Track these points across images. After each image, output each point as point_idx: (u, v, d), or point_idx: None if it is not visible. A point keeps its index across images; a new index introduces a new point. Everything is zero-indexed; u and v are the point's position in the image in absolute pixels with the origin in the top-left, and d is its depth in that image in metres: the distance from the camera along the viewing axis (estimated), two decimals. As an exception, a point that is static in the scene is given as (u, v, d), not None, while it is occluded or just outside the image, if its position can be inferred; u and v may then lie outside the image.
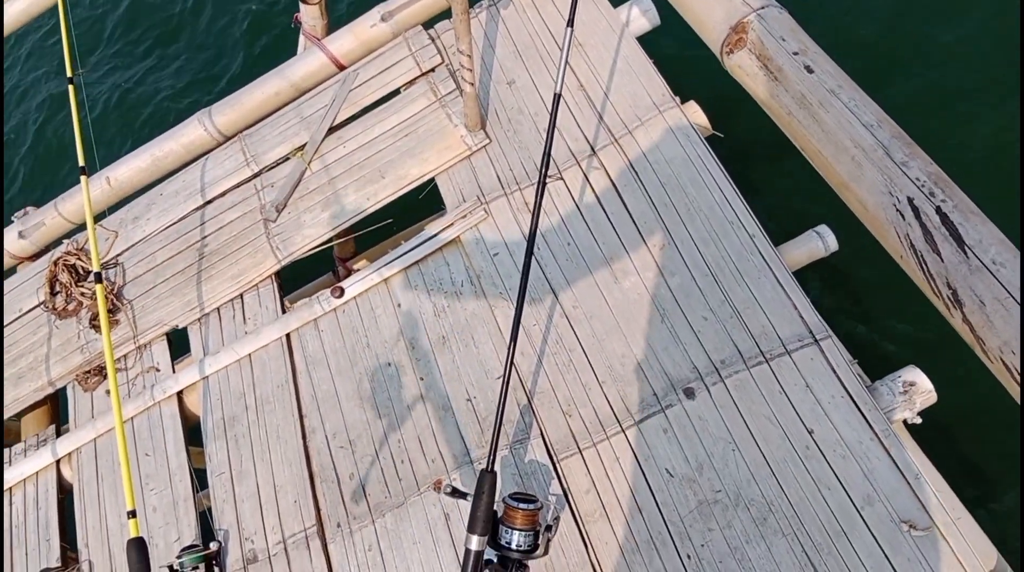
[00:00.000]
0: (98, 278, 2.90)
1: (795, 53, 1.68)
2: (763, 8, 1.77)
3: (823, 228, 2.97)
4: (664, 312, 2.85)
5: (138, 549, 2.64)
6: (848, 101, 1.57)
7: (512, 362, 2.37)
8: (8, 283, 4.11)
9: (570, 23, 2.31)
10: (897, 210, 1.42)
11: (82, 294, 3.70)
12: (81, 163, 3.11)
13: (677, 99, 3.29)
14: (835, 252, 2.99)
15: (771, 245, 2.84)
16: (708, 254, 2.90)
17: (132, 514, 2.66)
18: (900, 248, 1.41)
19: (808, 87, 1.62)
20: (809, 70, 1.64)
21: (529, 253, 2.35)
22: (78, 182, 4.24)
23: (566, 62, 2.30)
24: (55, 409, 3.89)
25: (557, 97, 2.32)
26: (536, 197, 2.33)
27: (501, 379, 2.41)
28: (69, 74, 3.23)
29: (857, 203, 1.52)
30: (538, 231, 3.16)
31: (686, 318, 2.81)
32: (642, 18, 3.62)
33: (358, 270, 5.01)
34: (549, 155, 2.32)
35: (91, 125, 3.06)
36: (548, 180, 2.82)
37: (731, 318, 2.76)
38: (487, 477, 2.32)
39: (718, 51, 1.84)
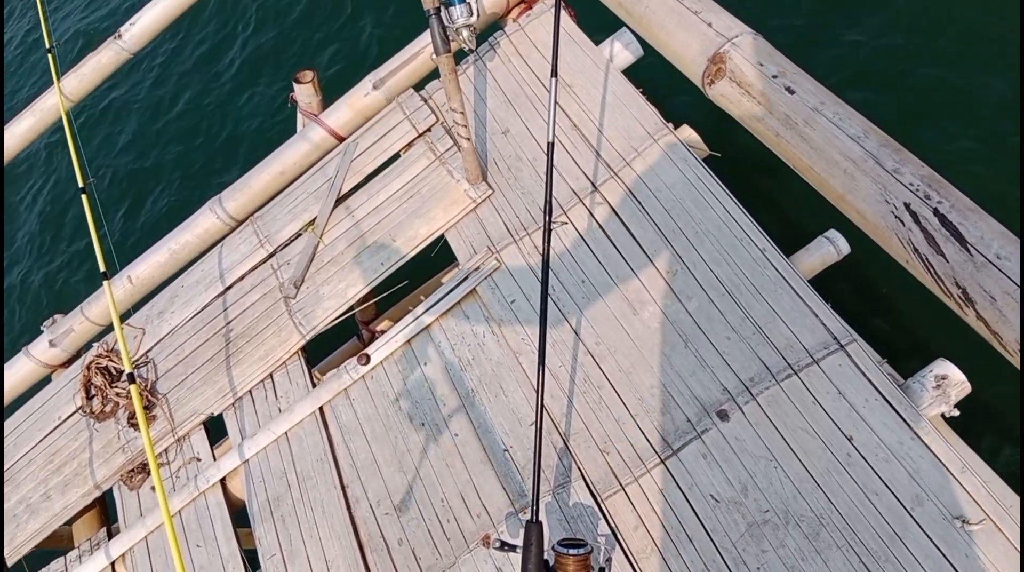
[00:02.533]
0: (131, 378, 2.97)
1: (775, 76, 1.71)
2: (737, 36, 1.82)
3: (833, 233, 2.98)
4: (686, 337, 2.86)
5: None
6: (832, 116, 1.60)
7: (542, 407, 2.39)
8: (45, 392, 4.20)
9: (554, 73, 2.37)
10: (896, 217, 1.44)
11: (117, 395, 3.77)
12: (102, 269, 3.21)
13: (670, 125, 3.34)
14: (848, 255, 2.99)
15: (783, 257, 2.85)
16: (722, 274, 2.91)
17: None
18: (905, 253, 1.43)
19: (791, 108, 1.66)
20: (790, 91, 1.68)
21: (544, 297, 2.38)
22: (101, 285, 4.38)
23: (555, 110, 2.36)
24: (104, 511, 3.94)
25: (551, 146, 2.38)
26: (544, 243, 2.37)
27: (534, 425, 2.42)
28: (80, 184, 3.34)
29: (856, 214, 1.54)
30: (552, 273, 3.21)
31: (709, 340, 2.82)
32: (625, 51, 3.69)
33: (382, 332, 5.08)
34: (550, 202, 2.37)
35: (107, 229, 3.15)
36: (554, 225, 2.86)
37: (754, 334, 2.76)
38: (533, 528, 2.32)
39: (700, 83, 1.89)
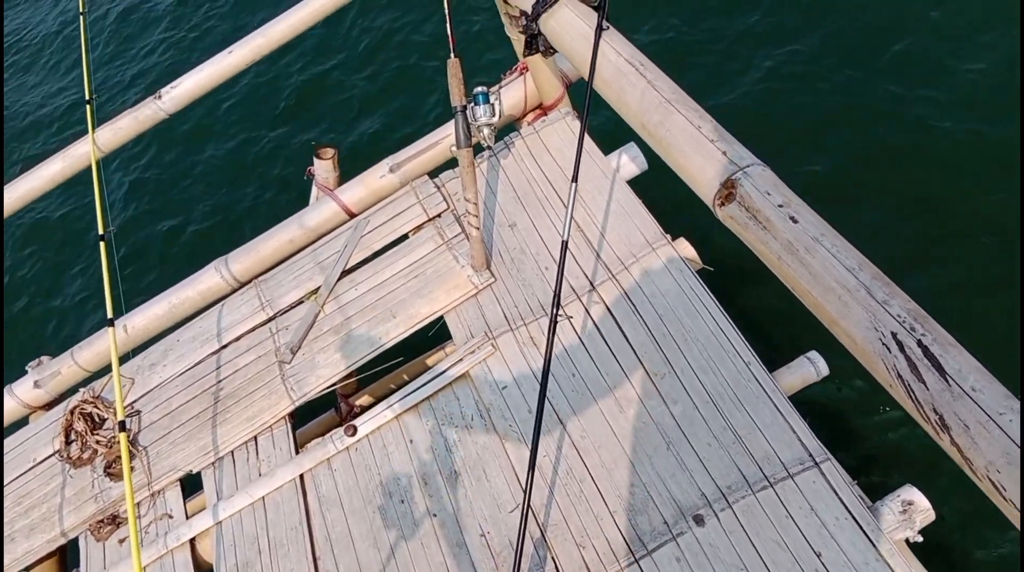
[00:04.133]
0: (122, 427, 3.00)
1: (780, 205, 1.89)
2: (749, 166, 2.01)
3: (814, 354, 3.14)
4: (669, 440, 2.96)
5: None
6: (831, 247, 1.77)
7: (529, 500, 2.46)
8: (22, 433, 4.17)
9: (574, 179, 2.56)
10: (883, 344, 1.58)
11: (97, 442, 3.77)
12: (109, 315, 3.28)
13: (668, 237, 3.54)
14: (827, 376, 3.14)
15: (766, 372, 3.00)
16: (707, 382, 3.04)
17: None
18: (889, 378, 1.57)
19: (794, 235, 1.83)
20: (794, 220, 1.85)
21: (543, 390, 2.48)
22: (93, 331, 4.42)
23: (572, 212, 2.54)
24: (63, 561, 3.86)
25: (564, 244, 2.54)
26: (548, 334, 2.49)
27: (517, 510, 2.48)
28: (101, 231, 3.45)
29: (847, 337, 1.69)
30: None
31: (691, 445, 2.92)
32: (631, 164, 3.94)
33: (361, 407, 5.12)
34: (559, 297, 2.51)
35: (119, 277, 3.26)
36: (560, 317, 2.99)
37: (734, 444, 2.87)
38: (508, 613, 2.35)
39: (711, 203, 2.07)
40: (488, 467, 3.17)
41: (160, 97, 3.80)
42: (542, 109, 4.48)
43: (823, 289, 1.76)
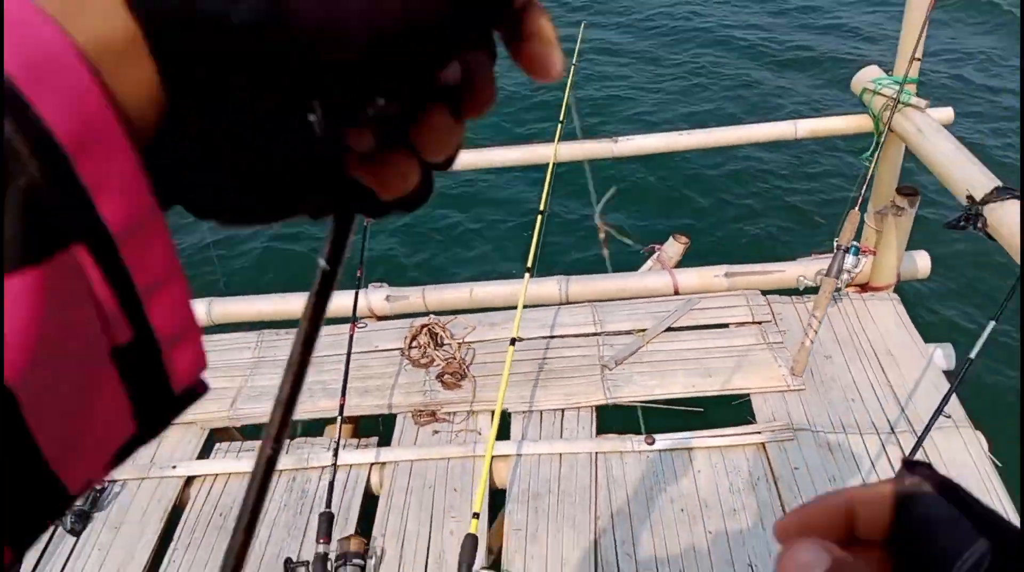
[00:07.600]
0: (512, 342, 3.76)
1: None
2: None
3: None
4: None
5: (472, 544, 3.21)
6: None
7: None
8: (368, 328, 5.04)
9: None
10: None
11: (437, 355, 4.55)
12: (528, 264, 4.12)
13: (970, 422, 4.03)
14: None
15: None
16: None
17: (476, 516, 3.27)
18: None
19: None
20: None
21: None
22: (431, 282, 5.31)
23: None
24: (356, 430, 4.57)
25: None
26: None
27: None
28: (541, 207, 4.38)
29: None
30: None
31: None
32: (943, 360, 4.51)
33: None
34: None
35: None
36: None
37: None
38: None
39: None
40: (766, 521, 3.64)
41: (616, 141, 4.83)
42: (862, 288, 5.18)
43: None
